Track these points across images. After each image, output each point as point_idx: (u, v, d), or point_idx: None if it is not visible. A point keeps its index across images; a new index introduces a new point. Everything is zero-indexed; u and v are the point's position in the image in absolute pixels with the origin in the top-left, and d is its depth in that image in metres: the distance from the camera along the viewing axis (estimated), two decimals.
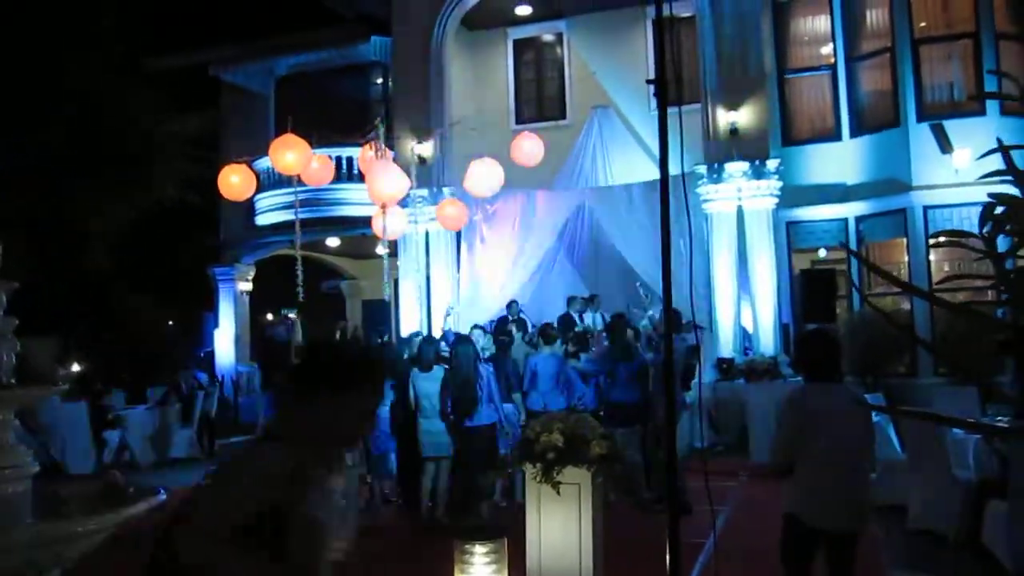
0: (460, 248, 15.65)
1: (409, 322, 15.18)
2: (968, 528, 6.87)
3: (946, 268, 13.07)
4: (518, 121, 17.38)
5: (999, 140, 2.73)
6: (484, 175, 11.99)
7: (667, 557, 3.17)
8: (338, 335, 17.21)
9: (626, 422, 9.06)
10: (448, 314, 13.76)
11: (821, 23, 15.24)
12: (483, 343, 10.80)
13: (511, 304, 14.29)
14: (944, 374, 12.34)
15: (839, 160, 14.73)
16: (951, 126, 13.06)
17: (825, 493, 4.36)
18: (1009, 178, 2.77)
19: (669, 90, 3.55)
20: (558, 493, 6.00)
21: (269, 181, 16.67)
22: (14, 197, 12.97)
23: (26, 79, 13.63)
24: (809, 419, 4.41)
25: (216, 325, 19.95)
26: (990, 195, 2.68)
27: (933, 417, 7.00)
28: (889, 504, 7.87)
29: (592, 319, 13.99)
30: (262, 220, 18.12)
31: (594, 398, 9.78)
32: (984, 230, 2.65)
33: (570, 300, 14.26)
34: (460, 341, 9.35)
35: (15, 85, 13.47)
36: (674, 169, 3.62)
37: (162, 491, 4.49)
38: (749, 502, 9.20)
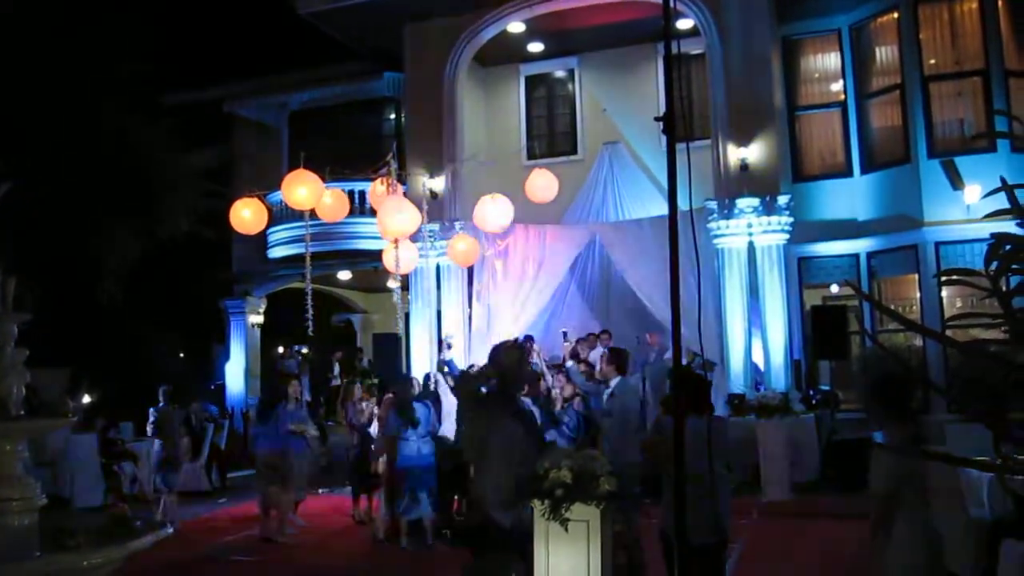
0: (471, 282, 15.66)
1: (420, 356, 15.17)
2: (984, 568, 6.76)
3: (959, 304, 12.99)
4: (529, 156, 17.44)
5: (1003, 179, 2.73)
6: (493, 211, 11.93)
7: None
8: (336, 366, 17.30)
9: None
10: (450, 346, 13.64)
11: (831, 60, 15.34)
12: None
13: (526, 339, 14.22)
14: (957, 411, 12.21)
15: (850, 196, 14.75)
16: (962, 163, 13.05)
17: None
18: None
19: (678, 127, 3.57)
20: (566, 530, 5.94)
21: (281, 215, 16.75)
22: (28, 229, 13.05)
23: (44, 116, 13.77)
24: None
25: (227, 358, 19.97)
26: (992, 234, 2.67)
27: (944, 457, 6.91)
28: None
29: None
30: (274, 253, 18.19)
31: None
32: (990, 268, 2.64)
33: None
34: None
35: (33, 121, 13.61)
36: (684, 204, 3.63)
37: (168, 525, 4.48)
38: (761, 540, 9.11)
